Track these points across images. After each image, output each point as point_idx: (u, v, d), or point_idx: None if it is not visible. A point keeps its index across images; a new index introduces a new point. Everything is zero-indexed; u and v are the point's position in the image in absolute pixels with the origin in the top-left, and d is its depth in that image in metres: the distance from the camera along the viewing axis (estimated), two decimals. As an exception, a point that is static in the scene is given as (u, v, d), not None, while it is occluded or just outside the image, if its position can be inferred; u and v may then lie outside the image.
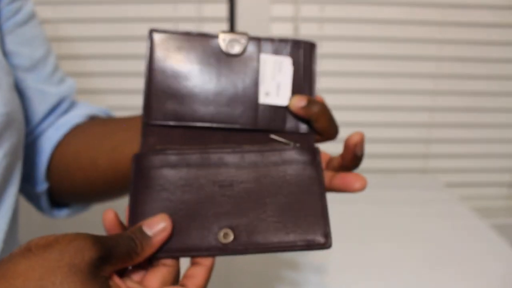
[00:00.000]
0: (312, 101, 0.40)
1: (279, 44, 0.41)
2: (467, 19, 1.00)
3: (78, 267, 0.29)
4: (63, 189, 0.54)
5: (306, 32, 0.99)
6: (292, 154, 0.38)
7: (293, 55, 0.41)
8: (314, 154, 0.38)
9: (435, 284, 0.66)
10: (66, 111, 0.56)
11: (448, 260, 0.71)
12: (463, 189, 1.11)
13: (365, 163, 1.23)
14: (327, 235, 0.34)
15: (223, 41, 0.40)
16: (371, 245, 0.75)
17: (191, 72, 0.40)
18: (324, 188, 0.37)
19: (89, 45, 0.98)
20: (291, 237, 0.35)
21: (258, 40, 0.41)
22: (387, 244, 0.76)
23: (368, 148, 1.07)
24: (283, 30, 0.99)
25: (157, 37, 0.40)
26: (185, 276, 0.34)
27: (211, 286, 0.64)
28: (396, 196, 0.94)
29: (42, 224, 0.78)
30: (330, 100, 1.04)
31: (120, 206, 0.92)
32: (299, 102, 0.39)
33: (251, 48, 0.40)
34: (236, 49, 0.40)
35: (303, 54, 0.41)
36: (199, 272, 0.34)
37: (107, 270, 0.31)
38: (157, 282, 0.34)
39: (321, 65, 1.02)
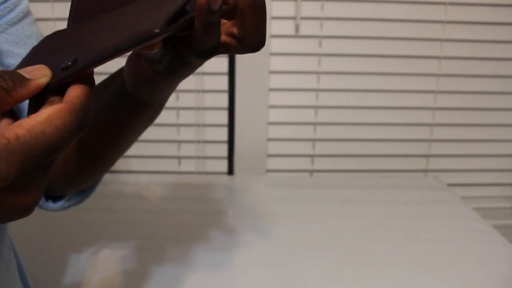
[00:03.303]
0: None
1: None
2: (470, 18, 0.99)
3: None
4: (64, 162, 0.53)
5: (306, 31, 0.98)
6: None
7: None
8: None
9: (436, 285, 0.66)
10: None
11: (450, 261, 0.71)
12: (466, 189, 1.10)
13: (366, 163, 1.22)
14: (158, 24, 0.31)
15: None
16: (372, 245, 0.75)
17: (106, 6, 0.40)
18: None
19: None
20: (126, 36, 0.32)
21: None
22: (389, 244, 0.75)
23: (369, 148, 1.08)
24: (284, 29, 0.98)
25: None
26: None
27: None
28: (397, 197, 0.93)
29: (33, 220, 0.78)
30: (331, 100, 1.04)
31: (121, 213, 0.91)
32: None
33: None
34: None
35: None
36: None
37: None
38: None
39: (322, 64, 1.01)
